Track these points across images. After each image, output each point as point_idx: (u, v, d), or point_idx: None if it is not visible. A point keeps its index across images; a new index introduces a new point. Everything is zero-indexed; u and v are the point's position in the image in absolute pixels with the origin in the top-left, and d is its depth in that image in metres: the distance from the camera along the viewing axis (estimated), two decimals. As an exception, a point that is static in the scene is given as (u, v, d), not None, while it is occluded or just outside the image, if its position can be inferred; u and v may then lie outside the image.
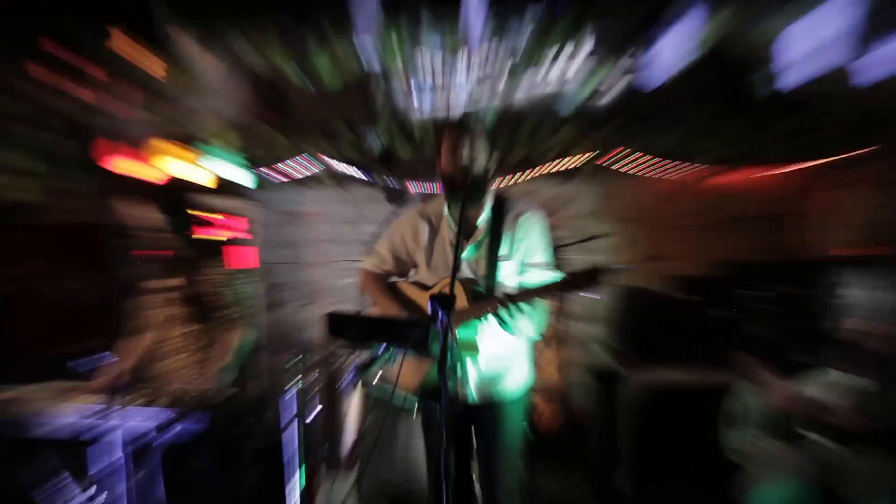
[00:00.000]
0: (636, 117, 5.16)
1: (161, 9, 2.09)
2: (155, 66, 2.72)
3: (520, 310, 2.62)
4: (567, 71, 5.17)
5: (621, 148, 5.20)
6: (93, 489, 2.97)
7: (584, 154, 5.27)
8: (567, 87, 5.05)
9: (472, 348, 2.77)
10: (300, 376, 4.28)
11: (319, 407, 4.28)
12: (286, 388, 2.69)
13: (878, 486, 2.87)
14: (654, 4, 1.88)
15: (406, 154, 5.34)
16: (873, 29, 2.11)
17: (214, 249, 3.36)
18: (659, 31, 1.95)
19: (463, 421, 2.92)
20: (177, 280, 3.31)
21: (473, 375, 2.85)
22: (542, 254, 2.87)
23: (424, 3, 2.25)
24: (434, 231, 2.92)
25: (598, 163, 5.33)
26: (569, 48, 2.53)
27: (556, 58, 3.32)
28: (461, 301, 2.74)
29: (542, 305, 2.79)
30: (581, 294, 2.48)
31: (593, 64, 2.33)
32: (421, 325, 2.40)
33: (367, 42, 2.20)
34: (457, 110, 2.48)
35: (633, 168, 5.39)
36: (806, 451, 3.10)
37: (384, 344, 2.51)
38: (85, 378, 3.31)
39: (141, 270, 3.81)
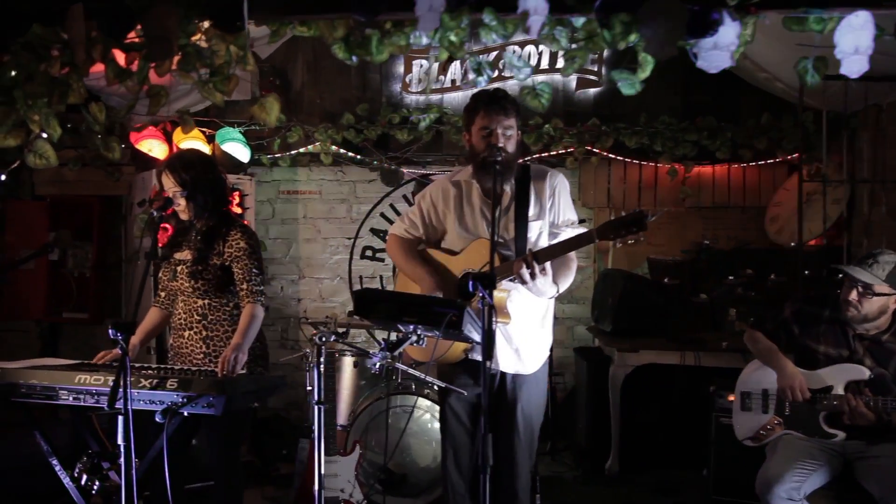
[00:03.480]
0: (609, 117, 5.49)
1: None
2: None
3: (543, 269, 2.65)
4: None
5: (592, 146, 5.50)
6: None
7: (568, 147, 5.49)
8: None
9: (503, 315, 2.77)
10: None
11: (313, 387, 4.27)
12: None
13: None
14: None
15: (403, 137, 5.43)
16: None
17: (230, 223, 3.19)
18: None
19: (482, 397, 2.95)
20: (190, 253, 3.15)
21: (500, 345, 2.81)
22: (570, 212, 2.94)
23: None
24: (462, 195, 2.95)
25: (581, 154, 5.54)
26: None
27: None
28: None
29: (569, 262, 2.85)
30: (622, 237, 2.51)
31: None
32: (455, 305, 2.46)
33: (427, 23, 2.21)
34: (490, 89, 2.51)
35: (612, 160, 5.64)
36: (830, 446, 3.14)
37: (413, 324, 2.56)
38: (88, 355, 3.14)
39: (153, 243, 3.74)
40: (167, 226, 3.32)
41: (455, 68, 5.45)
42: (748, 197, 5.75)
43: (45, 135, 2.55)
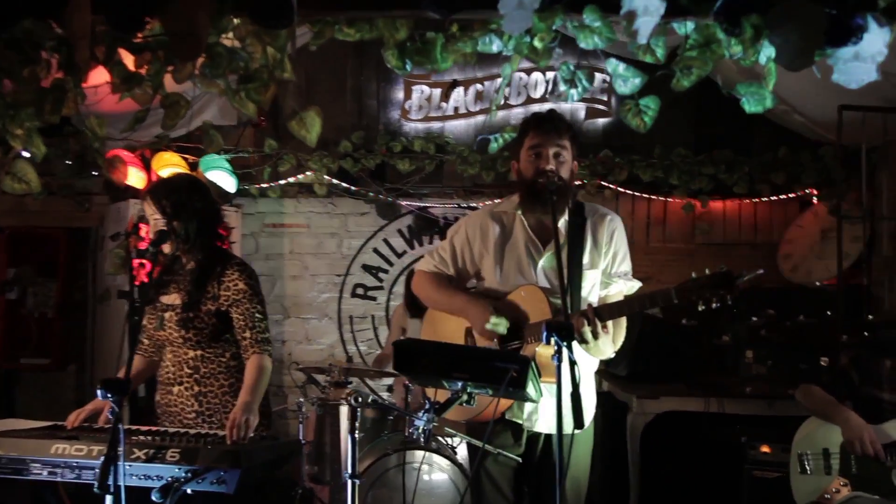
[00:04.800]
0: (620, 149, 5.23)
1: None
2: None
3: (606, 328, 2.32)
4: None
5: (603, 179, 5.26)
6: None
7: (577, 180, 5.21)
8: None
9: (549, 372, 2.35)
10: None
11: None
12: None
13: None
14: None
15: (404, 167, 5.07)
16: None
17: (225, 260, 2.81)
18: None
19: (524, 460, 2.58)
20: (179, 296, 2.74)
21: (543, 402, 2.46)
22: (627, 262, 2.62)
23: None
24: (506, 234, 2.60)
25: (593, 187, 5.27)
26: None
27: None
28: (539, 315, 2.41)
29: (623, 320, 2.50)
30: (706, 300, 2.15)
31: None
32: (517, 358, 2.11)
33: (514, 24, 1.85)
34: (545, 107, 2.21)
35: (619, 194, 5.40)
36: None
37: (463, 381, 2.19)
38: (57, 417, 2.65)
39: (136, 283, 3.33)
40: (145, 262, 2.90)
41: (458, 95, 5.14)
42: (759, 233, 5.54)
43: (26, 154, 2.12)
